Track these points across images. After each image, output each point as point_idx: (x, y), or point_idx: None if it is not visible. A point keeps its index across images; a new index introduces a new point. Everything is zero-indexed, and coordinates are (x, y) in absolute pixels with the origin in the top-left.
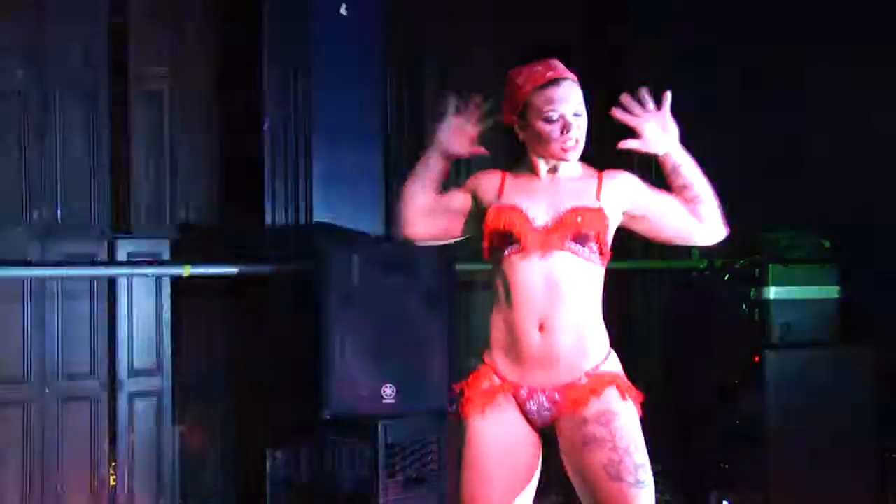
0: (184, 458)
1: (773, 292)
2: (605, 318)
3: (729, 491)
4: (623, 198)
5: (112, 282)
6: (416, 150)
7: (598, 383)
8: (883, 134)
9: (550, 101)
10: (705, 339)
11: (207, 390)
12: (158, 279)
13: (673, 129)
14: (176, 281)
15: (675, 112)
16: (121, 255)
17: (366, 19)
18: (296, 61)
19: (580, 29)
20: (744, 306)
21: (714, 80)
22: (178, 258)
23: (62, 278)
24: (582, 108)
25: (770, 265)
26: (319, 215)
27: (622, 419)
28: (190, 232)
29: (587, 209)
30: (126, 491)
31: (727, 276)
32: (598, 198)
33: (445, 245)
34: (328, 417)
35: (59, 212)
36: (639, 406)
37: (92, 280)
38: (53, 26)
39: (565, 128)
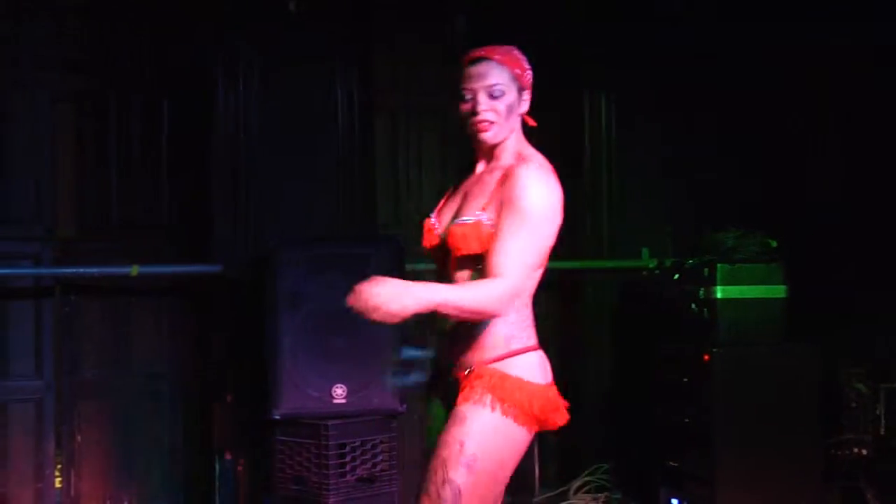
0: (131, 459)
1: (721, 291)
2: (535, 317)
3: (678, 489)
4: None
5: (58, 281)
6: (366, 148)
7: (475, 377)
8: (826, 134)
9: (464, 80)
10: (655, 337)
11: (156, 392)
12: (105, 279)
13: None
14: (124, 281)
15: (626, 112)
16: (63, 255)
17: (314, 18)
18: (246, 61)
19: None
20: (693, 305)
21: (664, 83)
22: (124, 258)
23: (4, 278)
24: (502, 88)
25: (718, 265)
26: (266, 215)
27: (465, 427)
28: (137, 232)
29: (465, 226)
30: (72, 493)
31: (676, 275)
32: (484, 207)
33: (395, 245)
34: (278, 418)
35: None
36: (522, 418)
37: (37, 279)
38: None
39: (475, 106)
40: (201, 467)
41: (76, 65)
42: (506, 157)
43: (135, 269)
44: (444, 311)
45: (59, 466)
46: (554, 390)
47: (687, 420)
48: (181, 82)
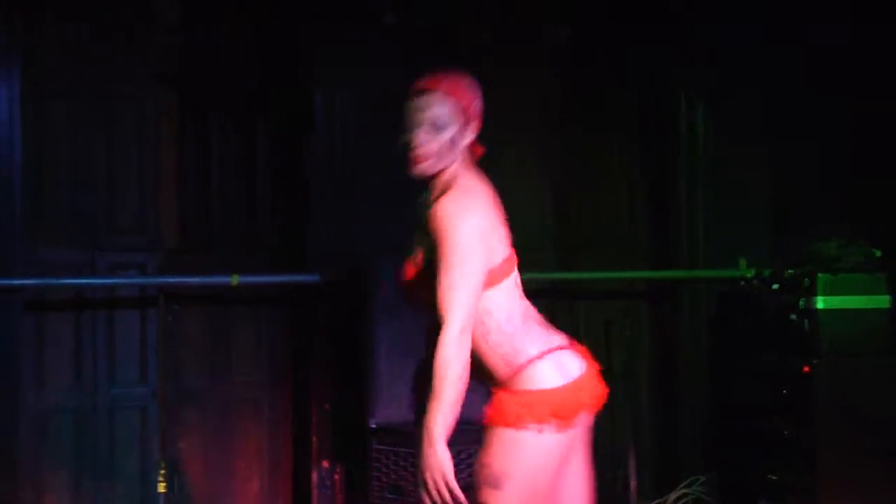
0: (232, 465)
1: (822, 302)
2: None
3: (778, 502)
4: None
5: (161, 291)
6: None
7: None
8: None
9: (407, 112)
10: (753, 349)
11: (255, 399)
12: (207, 289)
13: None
14: (225, 291)
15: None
16: (166, 265)
17: (409, 29)
18: (342, 74)
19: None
20: (792, 316)
21: (762, 86)
22: (225, 269)
23: (112, 287)
24: (443, 121)
25: (819, 274)
26: (363, 226)
27: (487, 448)
28: (237, 242)
29: (405, 269)
30: (176, 498)
31: (775, 285)
32: (420, 247)
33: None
34: (374, 426)
35: (106, 222)
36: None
37: (142, 289)
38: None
39: (411, 139)
40: (300, 474)
41: (175, 79)
42: (442, 187)
43: (235, 279)
44: (450, 407)
45: (162, 472)
46: (572, 387)
47: (787, 432)
48: (279, 95)
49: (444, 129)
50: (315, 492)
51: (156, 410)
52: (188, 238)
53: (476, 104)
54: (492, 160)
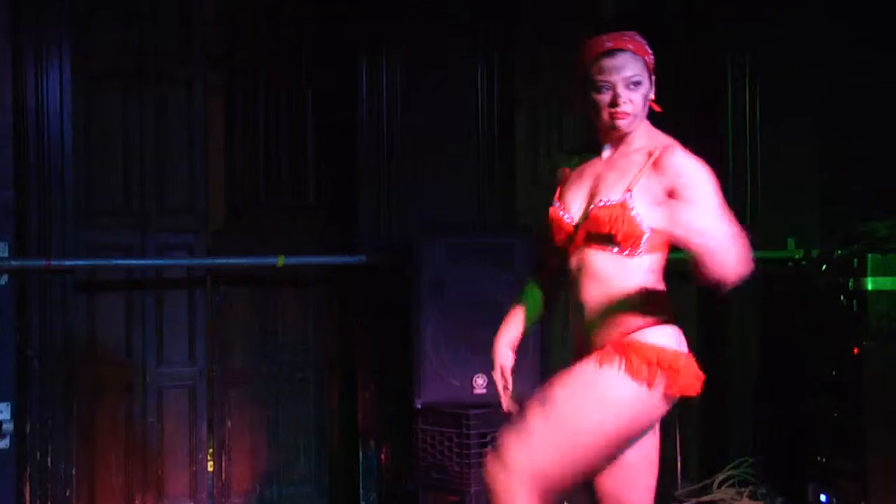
0: (279, 445)
1: (871, 283)
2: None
3: (827, 485)
4: (662, 183)
5: (209, 272)
6: (506, 137)
7: (606, 349)
8: None
9: (601, 71)
10: (802, 331)
11: (302, 380)
12: (254, 269)
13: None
14: (271, 271)
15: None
16: (214, 246)
17: (456, 10)
18: (389, 53)
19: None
20: (842, 297)
21: (809, 66)
22: (272, 249)
23: (160, 268)
24: (641, 79)
25: (869, 255)
26: (409, 203)
27: (566, 377)
28: (284, 219)
29: (609, 207)
30: (224, 476)
31: (824, 266)
32: (630, 186)
33: (536, 233)
34: (420, 407)
35: (156, 205)
36: (657, 382)
37: (190, 270)
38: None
39: (615, 98)
40: (346, 454)
41: (223, 59)
42: (638, 142)
43: (281, 260)
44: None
45: (210, 451)
46: (688, 357)
47: (836, 415)
48: (326, 75)
49: (638, 87)
50: (361, 470)
51: (204, 390)
52: (236, 219)
53: (652, 59)
54: (538, 137)
